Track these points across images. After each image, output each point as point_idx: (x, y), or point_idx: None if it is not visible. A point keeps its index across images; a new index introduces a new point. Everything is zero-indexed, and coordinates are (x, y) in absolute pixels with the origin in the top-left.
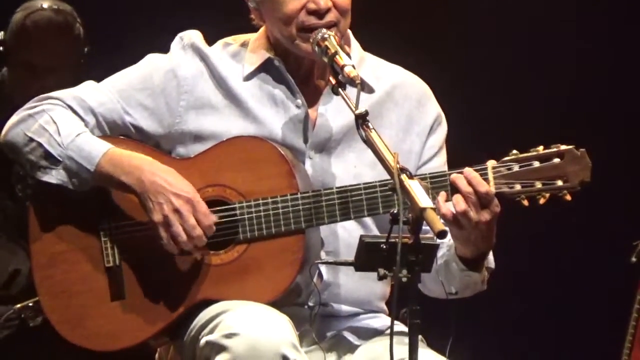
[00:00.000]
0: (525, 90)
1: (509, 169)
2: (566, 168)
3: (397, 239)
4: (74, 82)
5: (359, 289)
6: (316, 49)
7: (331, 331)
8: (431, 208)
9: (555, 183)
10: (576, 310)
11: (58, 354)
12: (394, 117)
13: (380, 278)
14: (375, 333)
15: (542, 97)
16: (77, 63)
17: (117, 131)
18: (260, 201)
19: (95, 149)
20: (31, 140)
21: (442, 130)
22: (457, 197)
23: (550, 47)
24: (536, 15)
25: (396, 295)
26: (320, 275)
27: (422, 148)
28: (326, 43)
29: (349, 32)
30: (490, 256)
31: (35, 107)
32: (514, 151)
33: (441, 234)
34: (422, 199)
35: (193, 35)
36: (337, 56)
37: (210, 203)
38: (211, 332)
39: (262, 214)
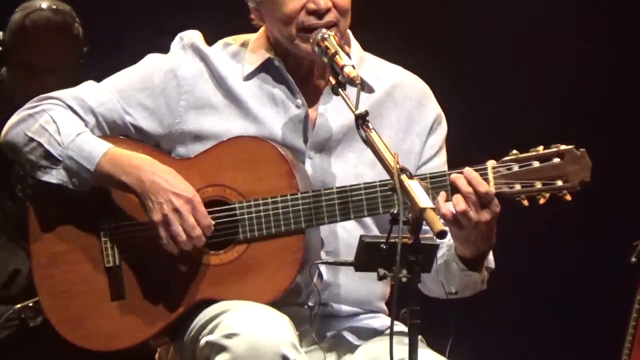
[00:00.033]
0: (525, 90)
1: (508, 169)
2: (566, 168)
3: (397, 239)
4: (73, 82)
5: (359, 289)
6: (316, 49)
7: (331, 331)
8: (431, 208)
9: (555, 183)
10: (576, 310)
11: (58, 354)
12: (393, 117)
13: (380, 278)
14: (375, 333)
15: (542, 97)
16: (76, 63)
17: (117, 131)
18: (260, 201)
19: (95, 149)
20: (31, 140)
21: (442, 130)
22: (457, 197)
23: (550, 47)
24: (536, 15)
25: (396, 296)
26: (320, 275)
27: (422, 148)
28: (326, 43)
29: (349, 32)
30: (490, 256)
31: (35, 107)
32: (514, 151)
33: (441, 234)
34: (422, 199)
35: (193, 36)
36: (337, 56)
37: (210, 203)
38: (211, 332)
39: (262, 214)
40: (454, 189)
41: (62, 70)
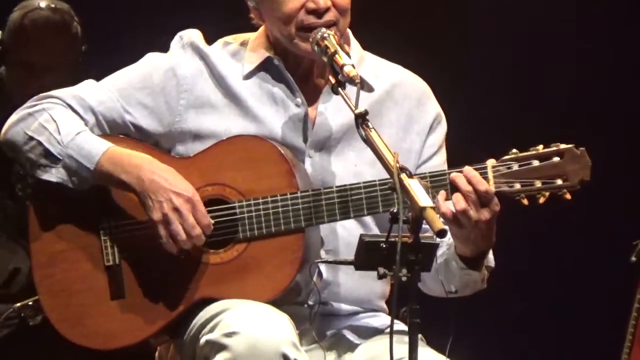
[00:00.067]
0: (525, 89)
1: (508, 168)
2: (566, 167)
3: (396, 238)
4: (72, 80)
5: (359, 287)
6: (315, 48)
7: (331, 330)
8: (431, 207)
9: (555, 182)
10: (576, 310)
11: (58, 352)
12: (393, 116)
13: (380, 277)
14: (375, 332)
15: (542, 96)
16: (75, 62)
17: (116, 130)
18: (260, 200)
19: (95, 148)
20: (31, 138)
21: (442, 129)
22: (457, 196)
23: (550, 47)
24: (536, 15)
25: (396, 294)
26: (320, 274)
27: (421, 147)
28: (325, 42)
29: (349, 31)
30: (490, 255)
31: (35, 105)
32: (514, 150)
33: (441, 233)
34: (422, 198)
35: (193, 35)
36: (336, 55)
37: (210, 202)
38: (211, 331)
39: (261, 212)
40: (453, 188)
41: (61, 69)
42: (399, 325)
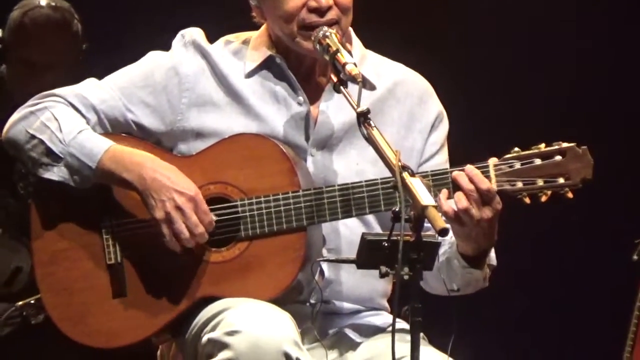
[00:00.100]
0: (526, 88)
1: (510, 167)
2: (568, 165)
3: (398, 237)
4: (73, 78)
5: (361, 286)
6: (317, 46)
7: (333, 328)
8: (433, 206)
9: (557, 180)
10: (578, 308)
11: (60, 351)
12: (395, 114)
13: (382, 276)
14: (377, 330)
15: (543, 95)
16: (75, 60)
17: (118, 128)
18: (262, 198)
19: (96, 146)
20: (33, 137)
21: (444, 127)
22: (459, 195)
23: (551, 45)
24: (536, 15)
25: (398, 293)
26: (321, 272)
27: (423, 145)
28: (327, 41)
29: (351, 29)
30: (492, 253)
31: (36, 104)
32: (516, 149)
33: (443, 232)
34: (424, 197)
35: (194, 33)
36: (338, 54)
37: (212, 200)
38: (213, 329)
39: (263, 211)
40: (455, 187)
41: (61, 67)
42: (401, 324)
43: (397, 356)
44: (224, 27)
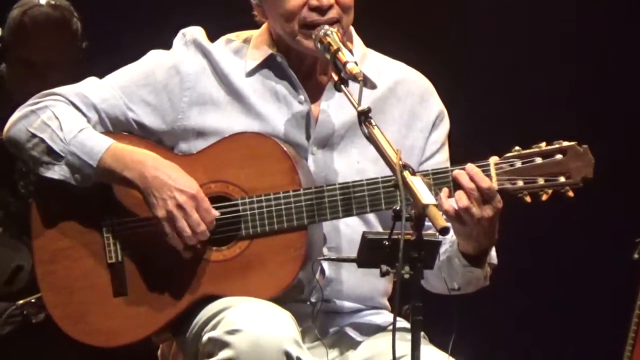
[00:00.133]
0: (527, 87)
1: (511, 165)
2: (569, 164)
3: (399, 236)
4: (73, 77)
5: (362, 285)
6: (318, 45)
7: (333, 327)
8: (433, 205)
9: (557, 179)
10: (579, 307)
11: (60, 350)
12: (396, 113)
13: (383, 274)
14: (378, 329)
15: (544, 93)
16: (75, 58)
17: (119, 127)
18: (263, 197)
19: (97, 145)
20: (34, 136)
21: (445, 126)
22: (460, 193)
23: (551, 43)
24: (536, 15)
25: (398, 292)
26: (322, 271)
27: (424, 144)
28: (328, 39)
29: (351, 28)
30: (493, 252)
31: (37, 103)
32: (517, 147)
33: (443, 231)
34: (425, 196)
35: (195, 32)
36: (339, 53)
37: (213, 199)
38: (214, 328)
39: (264, 210)
40: (456, 185)
41: (61, 65)
42: (402, 323)
43: (397, 355)
44: (225, 25)
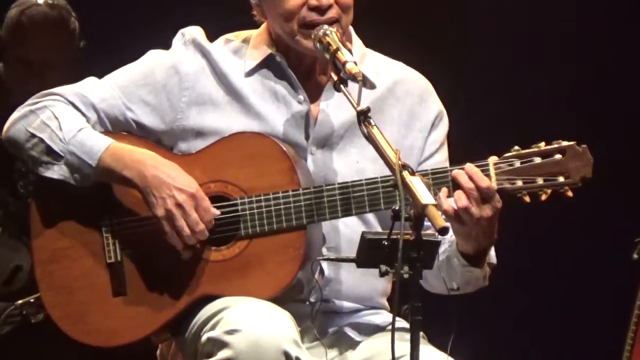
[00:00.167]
0: (526, 87)
1: (510, 165)
2: (568, 164)
3: (398, 236)
4: (71, 77)
5: (361, 285)
6: (318, 45)
7: (333, 327)
8: (433, 204)
9: (556, 179)
10: (578, 307)
11: (60, 350)
12: (395, 113)
13: (382, 274)
14: (377, 329)
15: (544, 93)
16: (73, 58)
17: (118, 127)
18: (262, 197)
19: (97, 144)
20: (33, 135)
21: (444, 126)
22: (459, 193)
23: (551, 43)
24: (536, 15)
25: (398, 292)
26: (321, 271)
27: (424, 144)
28: (328, 39)
29: (351, 28)
30: (492, 252)
31: (36, 103)
32: (516, 147)
33: (442, 231)
34: (424, 196)
35: (194, 32)
36: (338, 52)
37: (212, 199)
38: (213, 328)
39: (263, 209)
40: (455, 185)
41: (59, 65)
42: (401, 323)
43: (396, 355)
44: (224, 25)
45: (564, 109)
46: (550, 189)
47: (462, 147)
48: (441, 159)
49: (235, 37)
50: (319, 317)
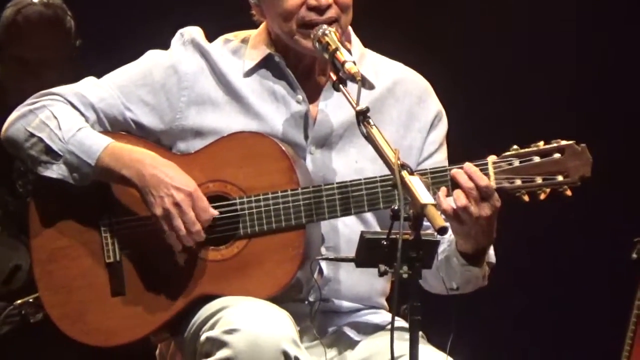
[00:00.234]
0: (526, 87)
1: (509, 164)
2: (567, 163)
3: (397, 235)
4: (67, 75)
5: (360, 284)
6: (317, 45)
7: (332, 327)
8: (432, 204)
9: (555, 178)
10: (577, 307)
11: (59, 350)
12: (394, 113)
13: (381, 274)
14: (376, 329)
15: (543, 92)
16: (69, 56)
17: (117, 127)
18: (261, 196)
19: (96, 143)
20: (32, 135)
21: (443, 126)
22: (458, 192)
23: (551, 43)
24: (536, 15)
25: (397, 291)
26: (320, 271)
27: (422, 144)
28: (327, 39)
29: (350, 28)
30: (491, 251)
31: (35, 102)
32: (515, 146)
33: (442, 231)
34: (423, 195)
35: (193, 32)
36: (337, 52)
37: (211, 199)
38: (212, 328)
39: (262, 209)
40: (454, 184)
41: (55, 63)
42: (400, 322)
43: (395, 355)
44: (223, 25)
45: (563, 109)
46: (549, 188)
47: (461, 147)
48: (440, 159)
49: (234, 37)
50: (318, 317)
